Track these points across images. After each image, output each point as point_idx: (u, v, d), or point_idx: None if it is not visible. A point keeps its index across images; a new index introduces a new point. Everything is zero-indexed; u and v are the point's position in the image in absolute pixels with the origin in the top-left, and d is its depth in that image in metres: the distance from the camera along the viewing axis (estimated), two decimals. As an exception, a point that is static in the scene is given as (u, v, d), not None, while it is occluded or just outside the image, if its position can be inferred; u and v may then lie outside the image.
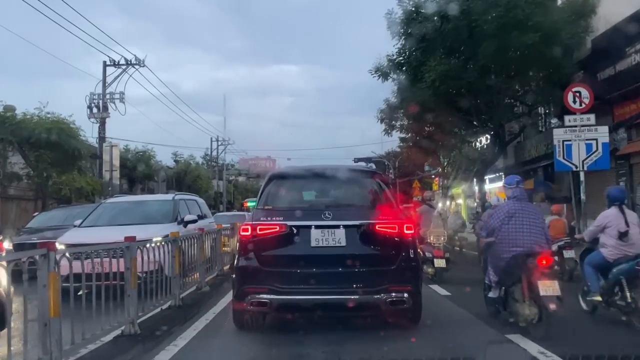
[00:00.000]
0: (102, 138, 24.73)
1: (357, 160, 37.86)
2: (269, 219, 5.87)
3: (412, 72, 16.55)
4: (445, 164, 29.04)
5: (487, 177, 28.10)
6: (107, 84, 25.30)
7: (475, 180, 30.12)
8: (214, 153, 49.93)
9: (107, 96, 25.11)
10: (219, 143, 49.53)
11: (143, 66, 26.16)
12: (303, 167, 7.71)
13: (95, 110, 24.64)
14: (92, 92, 24.78)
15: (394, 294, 5.55)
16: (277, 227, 5.74)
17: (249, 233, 5.82)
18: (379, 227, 5.75)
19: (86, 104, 24.55)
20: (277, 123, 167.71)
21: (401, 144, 36.85)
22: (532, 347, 5.11)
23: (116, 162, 21.80)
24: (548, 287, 5.39)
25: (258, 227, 5.79)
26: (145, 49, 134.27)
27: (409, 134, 27.50)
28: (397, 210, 6.19)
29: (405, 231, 5.82)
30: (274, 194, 6.37)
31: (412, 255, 5.82)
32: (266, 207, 6.17)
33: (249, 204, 35.54)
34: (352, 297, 5.57)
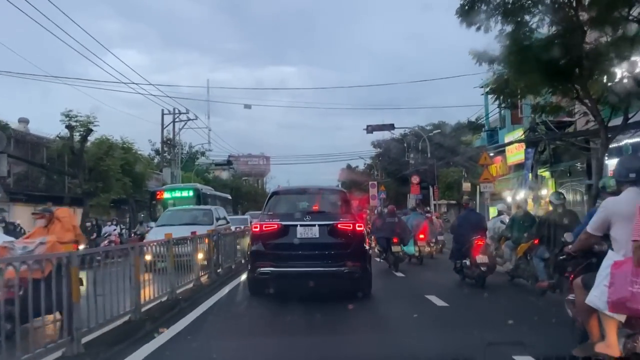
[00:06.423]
0: None
1: (370, 128, 34.97)
2: (271, 220, 8.67)
3: None
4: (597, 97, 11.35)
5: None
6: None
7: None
8: (176, 134, 34.07)
9: None
10: (175, 118, 32.36)
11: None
12: (292, 188, 11.23)
13: None
14: None
15: (349, 268, 8.20)
16: (276, 225, 8.51)
17: (258, 229, 8.67)
18: (339, 225, 8.46)
19: None
20: (274, 123, 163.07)
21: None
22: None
23: None
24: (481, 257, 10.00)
25: (264, 225, 8.59)
26: (142, 51, 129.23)
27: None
28: (352, 215, 9.00)
29: (357, 228, 8.54)
30: (274, 205, 9.29)
31: (361, 243, 8.63)
32: (269, 213, 8.98)
33: (165, 195, 23.36)
34: (323, 269, 8.26)
